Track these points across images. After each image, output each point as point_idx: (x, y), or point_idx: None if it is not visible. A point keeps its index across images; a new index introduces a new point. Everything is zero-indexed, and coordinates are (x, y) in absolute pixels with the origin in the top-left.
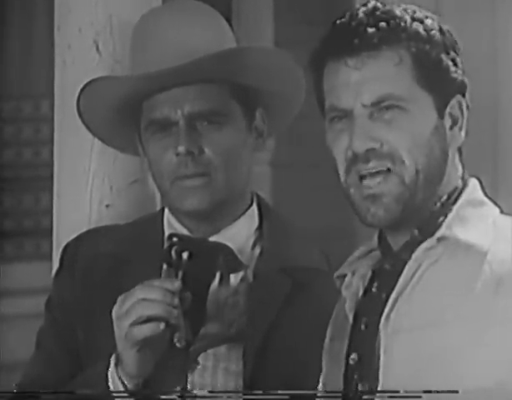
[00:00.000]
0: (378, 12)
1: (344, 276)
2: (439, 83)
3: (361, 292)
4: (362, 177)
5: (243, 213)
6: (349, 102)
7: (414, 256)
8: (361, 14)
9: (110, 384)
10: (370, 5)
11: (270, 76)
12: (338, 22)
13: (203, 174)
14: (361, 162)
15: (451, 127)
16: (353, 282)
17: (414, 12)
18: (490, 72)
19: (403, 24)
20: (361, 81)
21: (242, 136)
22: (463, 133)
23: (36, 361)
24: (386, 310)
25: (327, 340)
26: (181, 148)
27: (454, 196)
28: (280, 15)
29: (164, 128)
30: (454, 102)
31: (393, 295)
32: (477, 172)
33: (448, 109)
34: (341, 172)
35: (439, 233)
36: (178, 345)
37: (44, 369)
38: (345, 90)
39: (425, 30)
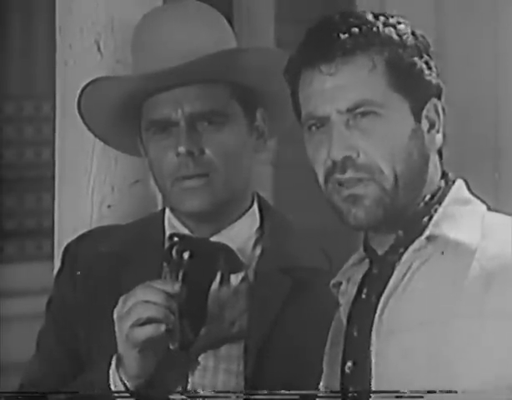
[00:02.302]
0: (350, 19)
1: (340, 283)
2: (414, 87)
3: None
4: (340, 185)
5: (244, 213)
6: (325, 110)
7: (404, 257)
8: (333, 21)
9: (111, 384)
10: (343, 12)
11: (271, 76)
12: (310, 29)
13: (204, 175)
14: (338, 171)
15: (428, 131)
16: (348, 289)
17: (387, 17)
18: (491, 71)
19: (375, 29)
20: (336, 87)
21: (242, 136)
22: (440, 136)
23: (36, 361)
24: (378, 313)
25: (327, 346)
26: (181, 149)
27: (438, 195)
28: (281, 15)
29: (165, 129)
30: (429, 105)
31: (383, 297)
32: (478, 172)
33: (424, 112)
34: (321, 181)
35: (427, 233)
36: (171, 347)
37: (45, 369)
38: (320, 97)
39: (398, 35)
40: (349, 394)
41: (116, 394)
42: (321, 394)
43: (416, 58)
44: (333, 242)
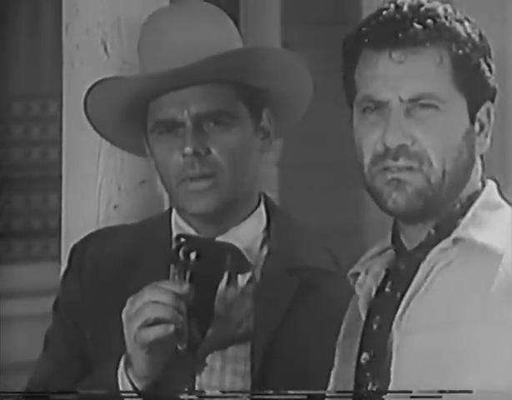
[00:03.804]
0: (422, 9)
1: (358, 274)
2: (475, 87)
3: (374, 291)
4: (386, 169)
5: (251, 214)
6: (387, 95)
7: (428, 256)
8: (406, 8)
9: (120, 385)
10: (414, 0)
11: (277, 76)
12: (382, 12)
13: (210, 175)
14: (390, 157)
15: (478, 133)
16: (366, 281)
17: (455, 12)
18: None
19: (447, 24)
20: (402, 75)
21: (248, 136)
22: (488, 141)
23: (44, 361)
24: (400, 310)
25: (340, 336)
26: (188, 149)
27: (474, 198)
28: (287, 16)
29: (171, 129)
30: (484, 108)
31: (407, 295)
32: (486, 173)
33: (478, 114)
34: (366, 162)
35: (454, 234)
36: (179, 348)
37: (52, 369)
38: (384, 82)
39: (466, 32)
40: (356, 395)
41: (124, 394)
42: (330, 394)
43: (481, 59)
44: (340, 243)
